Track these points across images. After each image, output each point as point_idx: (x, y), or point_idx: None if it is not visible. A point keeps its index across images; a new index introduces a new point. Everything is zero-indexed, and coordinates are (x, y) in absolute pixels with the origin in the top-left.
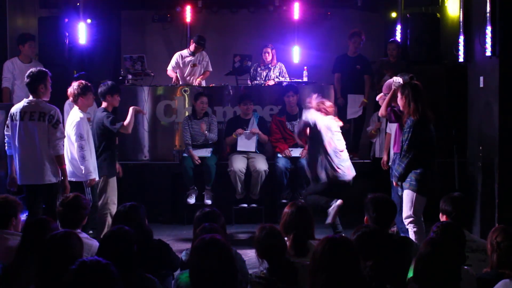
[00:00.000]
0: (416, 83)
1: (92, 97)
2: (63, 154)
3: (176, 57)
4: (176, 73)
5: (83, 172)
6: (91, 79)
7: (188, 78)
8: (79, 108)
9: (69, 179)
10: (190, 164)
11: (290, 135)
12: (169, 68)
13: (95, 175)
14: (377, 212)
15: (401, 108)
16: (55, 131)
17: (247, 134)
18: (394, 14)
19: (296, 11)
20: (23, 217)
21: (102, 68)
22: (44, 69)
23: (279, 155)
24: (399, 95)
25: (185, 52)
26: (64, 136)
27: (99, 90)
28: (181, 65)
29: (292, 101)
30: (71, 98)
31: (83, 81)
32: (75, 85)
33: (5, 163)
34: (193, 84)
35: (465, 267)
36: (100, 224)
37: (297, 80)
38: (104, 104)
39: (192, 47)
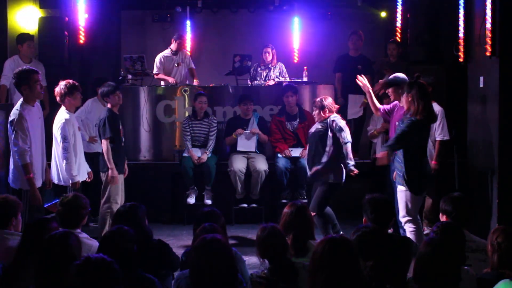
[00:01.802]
0: (422, 83)
1: (79, 97)
2: (28, 163)
3: (159, 59)
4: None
5: (66, 175)
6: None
7: (174, 78)
8: (66, 109)
9: (55, 182)
10: (190, 164)
11: (290, 135)
12: (155, 71)
13: (79, 178)
14: (375, 212)
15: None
16: (12, 137)
17: (247, 134)
18: (384, 14)
19: (296, 11)
20: None
21: (102, 68)
22: (31, 68)
23: (279, 155)
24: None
25: (167, 52)
26: (27, 145)
27: (99, 91)
28: (165, 66)
29: (292, 101)
30: (58, 98)
31: (70, 80)
32: (62, 84)
33: (5, 163)
34: (193, 85)
35: (465, 267)
36: (101, 223)
37: (297, 80)
38: (108, 105)
39: (174, 45)
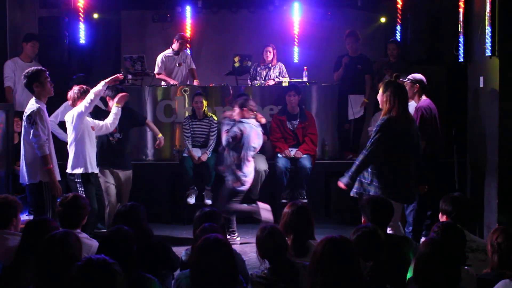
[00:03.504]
0: (399, 83)
1: None
2: (47, 155)
3: (161, 58)
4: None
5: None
6: (89, 81)
7: (174, 78)
8: None
9: (70, 172)
10: (190, 164)
11: (290, 134)
12: (156, 70)
13: (95, 170)
14: (374, 212)
15: (380, 105)
16: (30, 131)
17: None
18: (383, 19)
19: (296, 11)
20: (23, 216)
21: (102, 68)
22: (39, 67)
23: (279, 155)
24: (380, 91)
25: (168, 52)
26: (46, 137)
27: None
28: (167, 66)
29: (293, 100)
30: (70, 102)
31: (84, 86)
32: (75, 89)
33: (5, 163)
34: (194, 85)
35: (465, 267)
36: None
37: (297, 80)
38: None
39: (176, 45)
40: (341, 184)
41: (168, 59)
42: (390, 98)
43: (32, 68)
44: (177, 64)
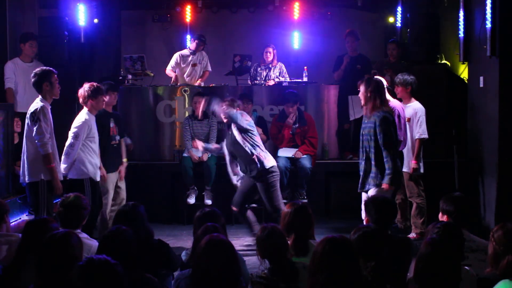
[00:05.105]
0: (379, 79)
1: (102, 100)
2: (50, 153)
3: (176, 57)
4: (175, 72)
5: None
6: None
7: (188, 78)
8: (88, 110)
9: (72, 177)
10: (190, 164)
11: (289, 138)
12: (168, 67)
13: (98, 178)
14: (379, 213)
15: (363, 102)
16: (34, 128)
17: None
18: (391, 19)
19: (296, 11)
20: (23, 216)
21: (102, 68)
22: (49, 67)
23: (279, 154)
24: (362, 88)
25: (185, 51)
26: (48, 135)
27: None
28: (181, 65)
29: (292, 111)
30: (80, 100)
31: (94, 84)
32: (86, 86)
33: (5, 163)
34: (194, 85)
35: (465, 267)
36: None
37: (297, 80)
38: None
39: (193, 45)
40: (386, 186)
41: (183, 58)
42: (375, 94)
43: (43, 67)
44: (192, 64)
